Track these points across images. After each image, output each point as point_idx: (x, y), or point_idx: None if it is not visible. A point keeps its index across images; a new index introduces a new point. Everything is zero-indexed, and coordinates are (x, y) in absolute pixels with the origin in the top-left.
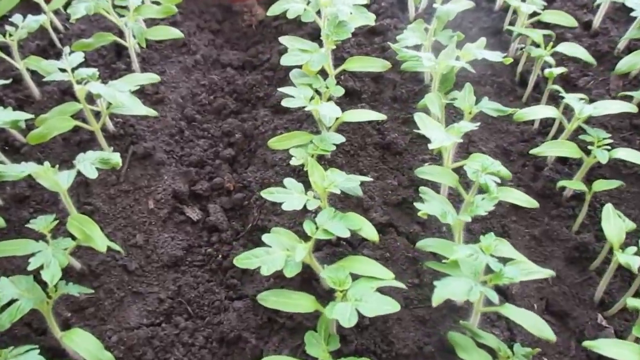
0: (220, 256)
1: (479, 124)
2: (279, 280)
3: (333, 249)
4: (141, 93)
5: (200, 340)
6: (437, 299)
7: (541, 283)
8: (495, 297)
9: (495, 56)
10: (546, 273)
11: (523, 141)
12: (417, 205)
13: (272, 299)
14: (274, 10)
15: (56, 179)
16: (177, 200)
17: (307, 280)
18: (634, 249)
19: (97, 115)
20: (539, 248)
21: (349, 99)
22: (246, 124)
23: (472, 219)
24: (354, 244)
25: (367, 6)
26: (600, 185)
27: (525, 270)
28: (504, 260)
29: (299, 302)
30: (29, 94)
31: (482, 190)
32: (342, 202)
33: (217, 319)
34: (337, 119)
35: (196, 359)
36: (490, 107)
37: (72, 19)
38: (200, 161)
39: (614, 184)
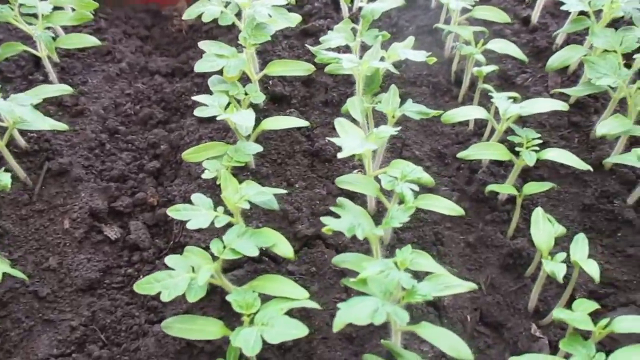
0: (141, 276)
1: (399, 128)
2: (198, 302)
3: (255, 266)
4: (59, 105)
5: None
6: (337, 325)
7: (475, 293)
8: (404, 319)
9: (419, 56)
10: (467, 287)
11: (458, 143)
12: (323, 219)
13: (177, 327)
14: (190, 14)
15: None
16: (94, 218)
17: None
18: (562, 255)
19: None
20: (474, 255)
21: (277, 105)
22: (172, 135)
23: (401, 227)
24: (278, 260)
25: (300, 7)
26: (531, 188)
27: (443, 284)
28: (425, 274)
29: (206, 329)
30: None
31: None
32: (267, 215)
33: (134, 345)
34: (256, 127)
35: None
36: (414, 109)
37: None
38: (122, 176)
39: (545, 186)
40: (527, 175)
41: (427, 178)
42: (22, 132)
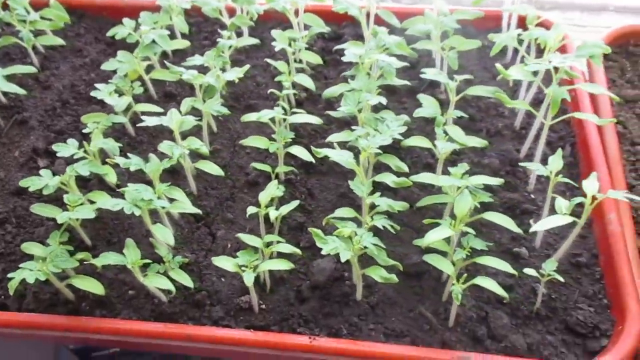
0: None
1: None
2: None
3: None
4: (36, 80)
5: None
6: None
7: None
8: None
9: None
10: None
11: None
12: None
13: None
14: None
15: None
16: (34, 153)
17: None
18: None
19: None
20: None
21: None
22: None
23: None
24: None
25: None
26: None
27: None
28: None
29: None
30: None
31: None
32: None
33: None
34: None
35: None
36: None
37: None
38: (61, 130)
39: None
40: None
41: None
42: (4, 94)
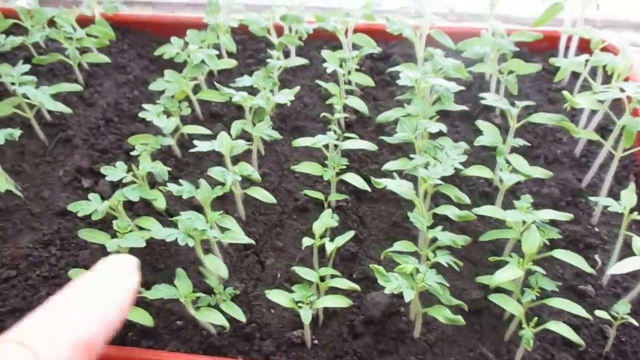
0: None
1: None
2: None
3: None
4: (80, 98)
5: None
6: None
7: None
8: None
9: None
10: None
11: None
12: None
13: None
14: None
15: None
16: (79, 173)
17: None
18: None
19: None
20: None
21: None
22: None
23: None
24: None
25: None
26: None
27: None
28: None
29: None
30: None
31: None
32: None
33: (78, 253)
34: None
35: None
36: None
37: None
38: (104, 149)
39: None
40: None
41: None
42: (49, 111)
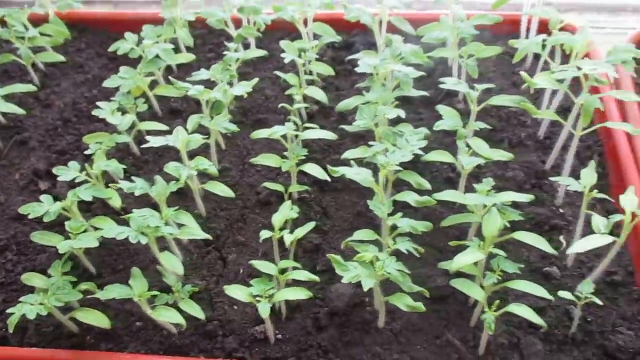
0: None
1: None
2: None
3: None
4: (36, 98)
5: None
6: None
7: None
8: None
9: None
10: None
11: None
12: None
13: None
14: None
15: None
16: (35, 175)
17: None
18: None
19: None
20: None
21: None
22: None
23: None
24: None
25: None
26: None
27: None
28: None
29: None
30: None
31: None
32: None
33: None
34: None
35: None
36: None
37: None
38: (62, 150)
39: None
40: None
41: None
42: (3, 114)
